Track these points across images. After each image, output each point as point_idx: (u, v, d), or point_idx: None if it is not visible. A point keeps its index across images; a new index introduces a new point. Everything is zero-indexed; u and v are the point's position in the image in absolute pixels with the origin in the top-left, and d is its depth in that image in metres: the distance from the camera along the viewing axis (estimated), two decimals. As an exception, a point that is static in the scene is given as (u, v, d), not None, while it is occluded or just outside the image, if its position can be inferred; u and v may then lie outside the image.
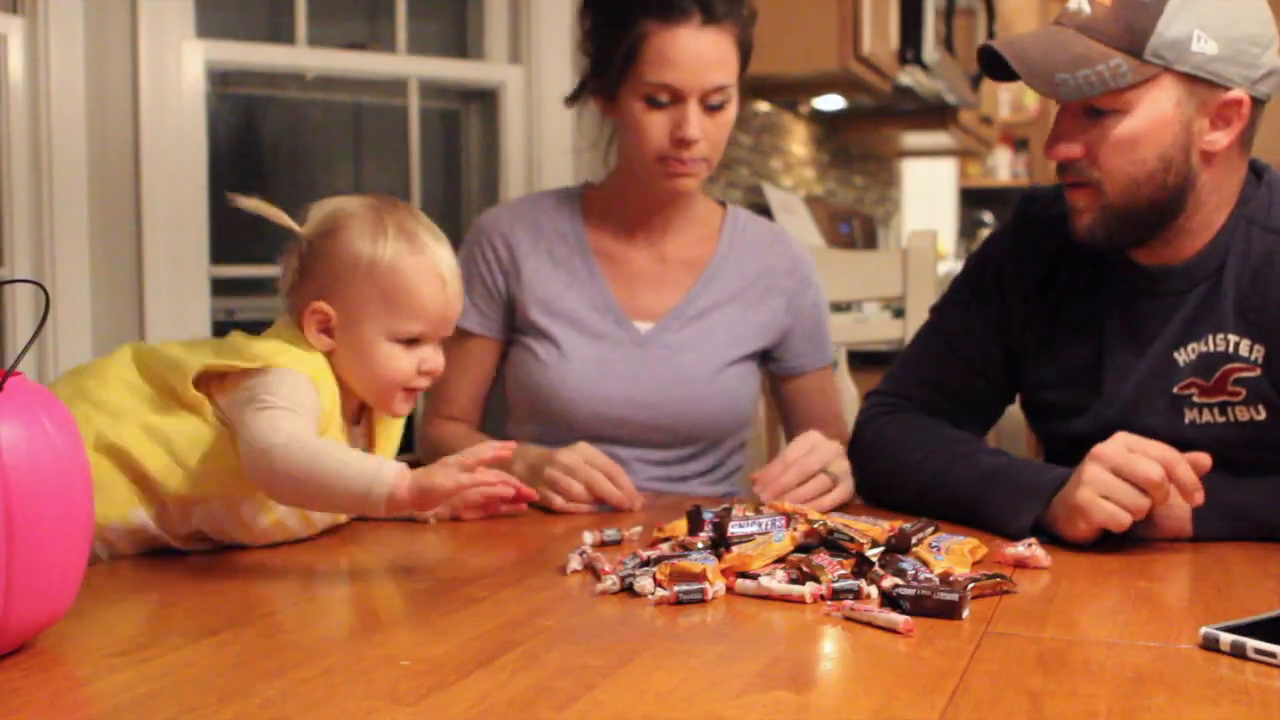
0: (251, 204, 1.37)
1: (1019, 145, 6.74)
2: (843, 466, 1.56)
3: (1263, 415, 1.41)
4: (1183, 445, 1.32)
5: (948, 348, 1.62)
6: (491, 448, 1.21)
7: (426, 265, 1.36)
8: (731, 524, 1.23)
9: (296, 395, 1.28)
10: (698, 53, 1.65)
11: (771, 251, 1.87)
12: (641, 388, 1.77)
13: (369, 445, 1.43)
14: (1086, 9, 1.38)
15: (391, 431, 1.45)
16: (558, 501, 1.55)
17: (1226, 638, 0.99)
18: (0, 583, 0.93)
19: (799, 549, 1.24)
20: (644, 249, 1.83)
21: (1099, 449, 1.31)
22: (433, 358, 1.39)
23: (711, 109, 1.68)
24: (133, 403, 1.32)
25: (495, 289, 1.82)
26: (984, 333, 1.60)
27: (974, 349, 1.60)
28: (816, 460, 1.53)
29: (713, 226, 1.87)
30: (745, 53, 1.73)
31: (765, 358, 1.87)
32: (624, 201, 1.82)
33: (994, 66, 1.43)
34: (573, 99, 1.81)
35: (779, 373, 1.89)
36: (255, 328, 1.45)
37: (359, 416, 1.43)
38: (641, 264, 1.83)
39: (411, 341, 1.37)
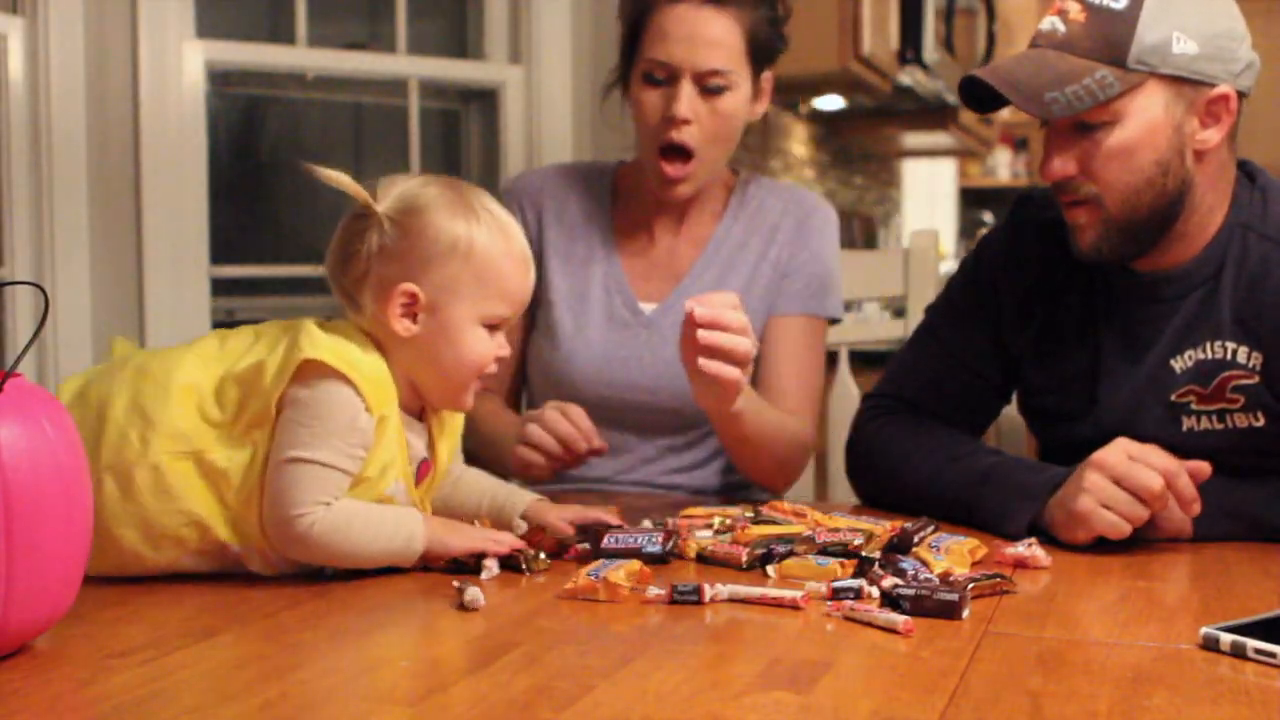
0: (331, 176, 1.30)
1: (1019, 145, 6.74)
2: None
3: (1261, 422, 1.41)
4: (1181, 452, 1.33)
5: (943, 349, 1.62)
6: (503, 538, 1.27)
7: (517, 248, 1.33)
8: (607, 537, 1.28)
9: (333, 421, 1.21)
10: (693, 29, 1.63)
11: (774, 209, 1.83)
12: (645, 372, 1.76)
13: (430, 443, 1.37)
14: (1061, 27, 1.37)
15: (453, 427, 1.41)
16: (535, 460, 1.56)
17: (1226, 638, 0.99)
18: (0, 583, 0.93)
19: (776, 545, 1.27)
20: (662, 231, 1.81)
21: (1100, 456, 1.31)
22: (505, 344, 1.36)
23: (709, 92, 1.66)
24: (197, 426, 1.23)
25: None
26: (979, 335, 1.59)
27: (969, 351, 1.60)
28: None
29: (721, 203, 1.84)
30: (757, 44, 1.69)
31: None
32: (645, 186, 1.80)
33: (974, 97, 1.42)
34: (607, 90, 1.80)
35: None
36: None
37: (420, 413, 1.37)
38: (658, 245, 1.81)
39: (491, 327, 1.33)
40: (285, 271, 2.81)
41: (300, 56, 2.61)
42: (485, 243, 1.30)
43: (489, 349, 1.32)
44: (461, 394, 1.33)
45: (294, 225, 3.03)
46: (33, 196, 2.20)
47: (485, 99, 2.93)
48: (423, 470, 1.34)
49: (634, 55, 1.70)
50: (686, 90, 1.65)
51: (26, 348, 1.05)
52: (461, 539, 1.26)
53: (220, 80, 2.60)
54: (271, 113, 2.88)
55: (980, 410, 1.65)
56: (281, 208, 3.00)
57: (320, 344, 1.22)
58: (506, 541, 1.27)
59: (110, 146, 2.29)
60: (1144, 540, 1.35)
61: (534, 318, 1.82)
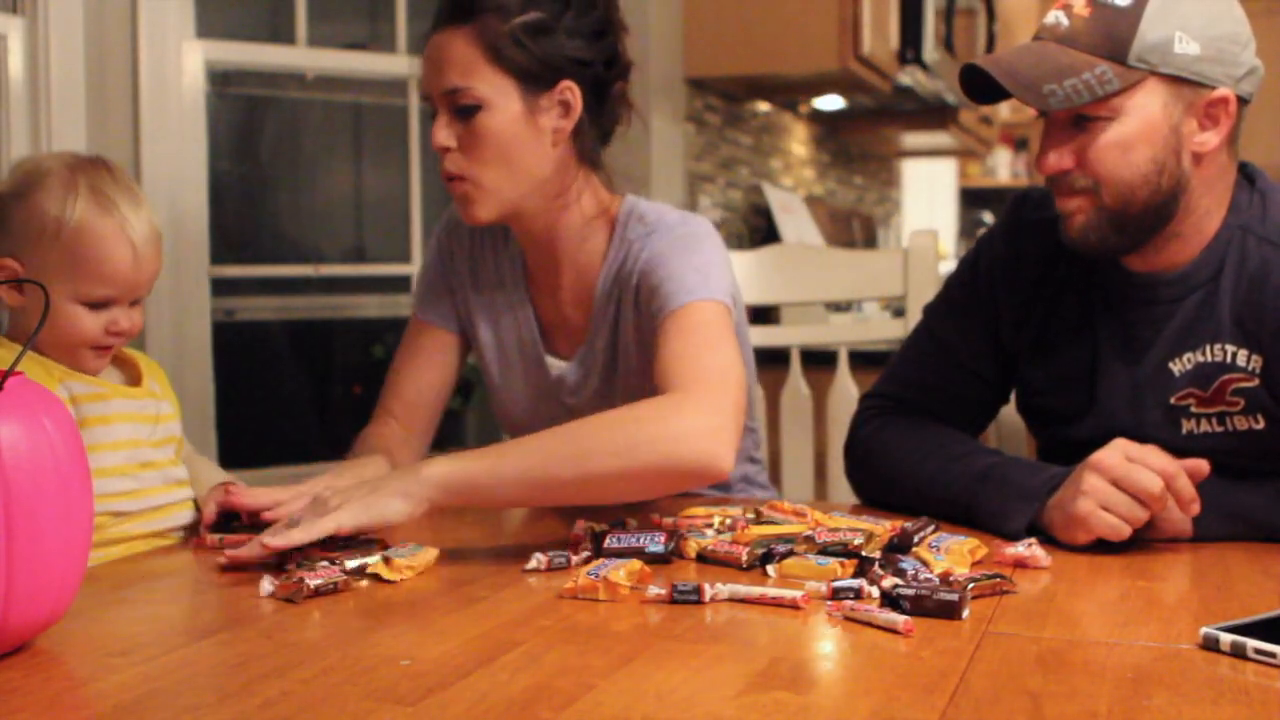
0: None
1: (1019, 145, 6.75)
2: (347, 492, 1.32)
3: (1261, 425, 1.41)
4: (1181, 455, 1.33)
5: (941, 349, 1.62)
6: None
7: (114, 228, 1.38)
8: (609, 538, 1.27)
9: None
10: (435, 54, 1.57)
11: (635, 245, 1.63)
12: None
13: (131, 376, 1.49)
14: (1065, 21, 1.38)
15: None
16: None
17: (1226, 638, 0.99)
18: (0, 583, 0.93)
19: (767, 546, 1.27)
20: (547, 277, 1.72)
21: (1098, 458, 1.31)
22: (123, 318, 1.41)
23: (460, 114, 1.55)
24: None
25: (449, 284, 1.78)
26: (977, 335, 1.59)
27: (967, 351, 1.60)
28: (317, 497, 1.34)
29: (605, 239, 1.67)
30: (502, 55, 1.54)
31: None
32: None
33: (973, 87, 1.42)
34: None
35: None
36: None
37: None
38: (551, 294, 1.72)
39: (100, 304, 1.40)
40: (285, 271, 2.81)
41: (300, 56, 2.61)
42: (81, 225, 1.37)
43: (90, 326, 1.39)
44: (78, 362, 1.42)
45: (294, 225, 3.03)
46: (33, 196, 2.20)
47: (485, 99, 2.93)
48: None
49: None
50: (442, 118, 1.57)
51: (26, 347, 1.06)
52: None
53: (220, 80, 2.60)
54: (271, 113, 2.88)
55: (978, 410, 1.65)
56: (281, 208, 3.00)
57: None
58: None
59: (110, 146, 2.28)
60: (1144, 540, 1.35)
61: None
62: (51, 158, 1.43)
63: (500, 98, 1.55)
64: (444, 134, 1.56)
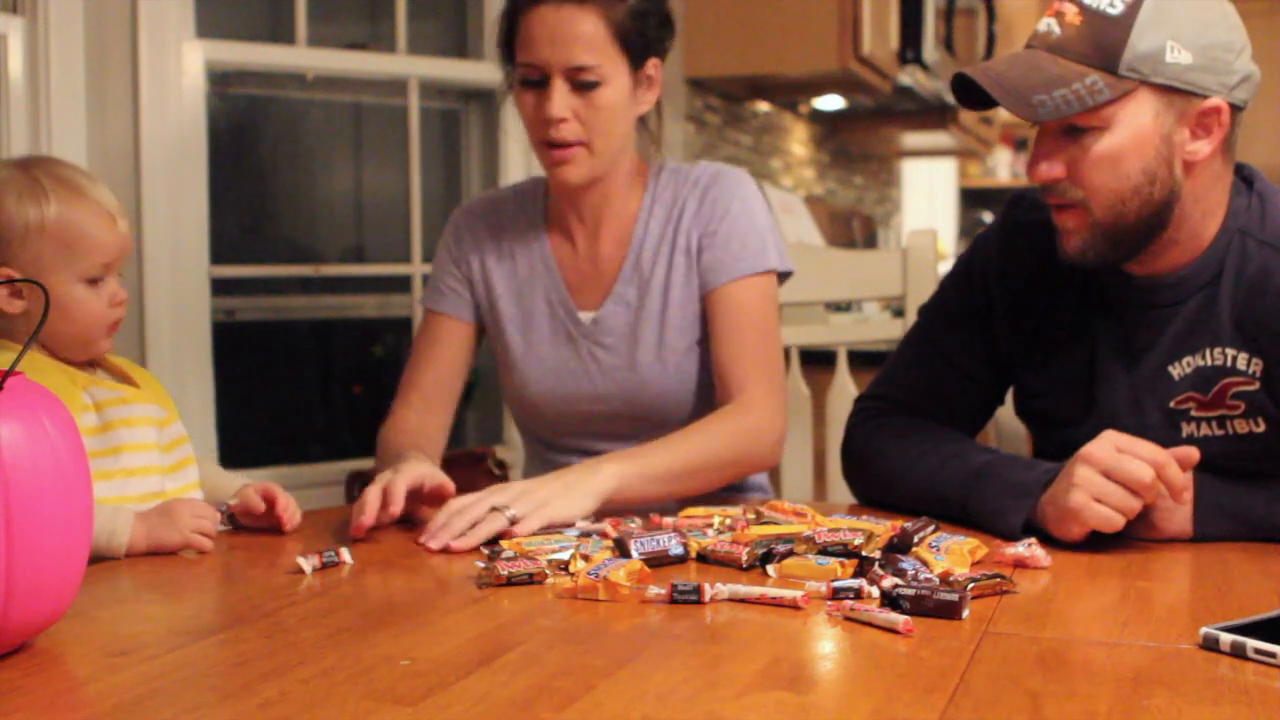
0: None
1: (1019, 145, 6.75)
2: (516, 498, 1.43)
3: (1262, 428, 1.40)
4: None
5: (935, 351, 1.62)
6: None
7: (90, 205, 1.43)
8: (633, 543, 1.27)
9: None
10: (556, 28, 1.64)
11: (680, 194, 1.79)
12: (591, 380, 1.77)
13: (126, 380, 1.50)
14: (1056, 30, 1.36)
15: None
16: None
17: (1226, 638, 0.99)
18: (0, 583, 0.93)
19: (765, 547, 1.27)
20: (585, 234, 1.81)
21: (1088, 450, 1.31)
22: (119, 289, 1.47)
23: (581, 88, 1.65)
24: None
25: (463, 277, 1.83)
26: (971, 336, 1.59)
27: (961, 352, 1.60)
28: (481, 507, 1.41)
29: (639, 197, 1.81)
30: (625, 35, 1.67)
31: None
32: (554, 185, 1.80)
33: (966, 94, 1.42)
34: (503, 96, 1.80)
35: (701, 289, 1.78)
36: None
37: (89, 363, 1.49)
38: (585, 249, 1.81)
39: (98, 279, 1.44)
40: (285, 271, 2.81)
41: (300, 56, 2.61)
42: (60, 214, 1.41)
43: (98, 305, 1.44)
44: (95, 347, 1.47)
45: (294, 225, 3.03)
46: (33, 196, 2.20)
47: (485, 99, 2.94)
48: None
49: (509, 58, 1.71)
50: (559, 88, 1.65)
51: (26, 347, 1.06)
52: (172, 533, 1.36)
53: (220, 80, 2.60)
54: (271, 113, 2.88)
55: (973, 411, 1.64)
56: (281, 208, 3.00)
57: None
58: (211, 530, 1.38)
59: (110, 146, 2.29)
60: (1144, 540, 1.35)
61: (493, 344, 1.84)
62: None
63: (618, 74, 1.68)
64: (561, 105, 1.65)
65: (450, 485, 1.50)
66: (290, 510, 1.47)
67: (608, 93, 1.67)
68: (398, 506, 1.45)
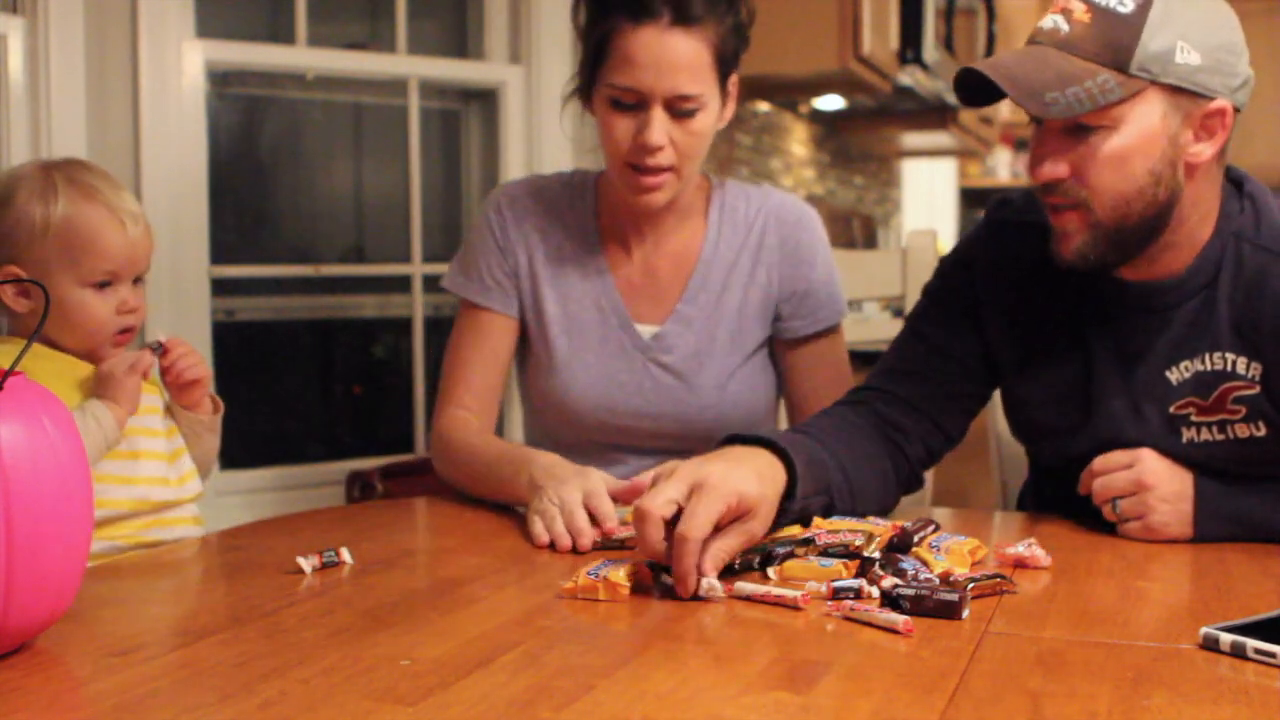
0: None
1: (1019, 145, 6.74)
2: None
3: (1263, 432, 1.40)
4: (1181, 463, 1.36)
5: (927, 352, 1.58)
6: None
7: (102, 209, 1.42)
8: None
9: None
10: (661, 55, 1.57)
11: (757, 223, 1.79)
12: (646, 398, 1.74)
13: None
14: (1065, 26, 1.35)
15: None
16: (539, 533, 1.39)
17: (1226, 638, 0.99)
18: (0, 583, 0.93)
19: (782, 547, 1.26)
20: (643, 246, 1.77)
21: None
22: (130, 296, 1.46)
23: (679, 116, 1.61)
24: None
25: (506, 266, 1.76)
26: (961, 339, 1.56)
27: (952, 354, 1.56)
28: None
29: (701, 213, 1.79)
30: (725, 59, 1.63)
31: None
32: (618, 199, 1.75)
33: (967, 88, 1.39)
34: (565, 101, 1.75)
35: (777, 337, 1.80)
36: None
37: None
38: (645, 261, 1.77)
39: (104, 285, 1.43)
40: (285, 271, 2.81)
41: (300, 56, 2.61)
42: (66, 215, 1.40)
43: (102, 310, 1.43)
44: (99, 355, 1.46)
45: (294, 225, 3.03)
46: (33, 196, 2.20)
47: (485, 99, 2.93)
48: None
49: (596, 76, 1.64)
50: (659, 117, 1.59)
51: (26, 347, 1.06)
52: (125, 386, 1.41)
53: (220, 80, 2.60)
54: (271, 113, 2.88)
55: (967, 411, 1.59)
56: (281, 208, 3.00)
57: None
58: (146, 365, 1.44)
59: (110, 146, 2.29)
60: (1144, 540, 1.35)
61: (529, 340, 1.78)
62: (23, 165, 1.48)
63: (713, 98, 1.64)
64: (660, 133, 1.61)
65: (640, 481, 1.39)
66: (184, 364, 1.52)
67: (704, 118, 1.63)
68: (611, 524, 1.38)
